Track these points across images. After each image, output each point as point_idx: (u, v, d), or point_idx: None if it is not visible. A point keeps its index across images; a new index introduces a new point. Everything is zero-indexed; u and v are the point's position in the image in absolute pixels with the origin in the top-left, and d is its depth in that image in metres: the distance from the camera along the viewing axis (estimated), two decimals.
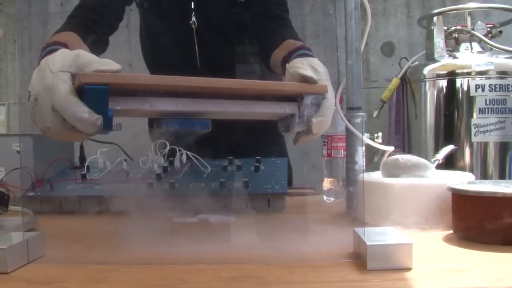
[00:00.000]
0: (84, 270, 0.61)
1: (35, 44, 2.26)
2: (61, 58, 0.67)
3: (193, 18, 1.30)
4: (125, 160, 1.10)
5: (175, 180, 0.97)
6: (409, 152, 1.48)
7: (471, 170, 1.39)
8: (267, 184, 0.96)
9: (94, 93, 0.64)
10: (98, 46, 1.17)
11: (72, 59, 0.67)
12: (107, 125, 0.65)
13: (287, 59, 0.98)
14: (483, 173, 1.40)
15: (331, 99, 0.81)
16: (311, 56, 0.95)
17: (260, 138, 1.28)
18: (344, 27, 0.88)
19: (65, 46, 0.87)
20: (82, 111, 0.64)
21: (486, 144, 1.37)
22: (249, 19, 1.33)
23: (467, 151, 1.39)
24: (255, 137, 1.26)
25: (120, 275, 0.59)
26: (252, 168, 1.05)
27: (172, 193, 0.94)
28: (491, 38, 1.45)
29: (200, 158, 1.06)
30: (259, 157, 1.08)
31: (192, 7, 1.30)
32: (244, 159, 1.08)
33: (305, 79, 0.80)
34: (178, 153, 1.08)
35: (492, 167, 1.38)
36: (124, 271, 0.60)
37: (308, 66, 0.84)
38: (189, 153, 1.07)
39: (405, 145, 1.57)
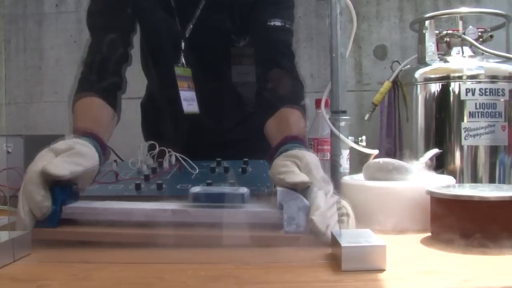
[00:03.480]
0: (68, 268, 0.62)
1: (30, 44, 2.27)
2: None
3: (182, 60, 1.25)
4: (115, 161, 1.12)
5: (162, 181, 0.99)
6: (400, 155, 1.49)
7: (461, 173, 1.40)
8: (253, 185, 0.97)
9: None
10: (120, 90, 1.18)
11: None
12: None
13: (273, 155, 0.91)
14: (473, 177, 1.41)
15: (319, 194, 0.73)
16: (299, 147, 0.88)
17: (251, 143, 1.28)
18: (329, 32, 0.89)
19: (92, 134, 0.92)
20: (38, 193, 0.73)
21: (476, 148, 1.37)
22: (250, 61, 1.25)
23: (457, 154, 1.39)
24: (246, 142, 1.28)
25: (103, 274, 0.60)
26: (240, 169, 1.06)
27: (159, 194, 0.95)
28: (482, 42, 1.46)
29: (188, 160, 1.08)
30: (246, 159, 1.10)
31: (183, 47, 1.26)
32: (232, 160, 1.10)
33: (296, 186, 0.74)
34: (167, 155, 1.10)
35: (482, 170, 1.39)
36: (106, 270, 0.62)
37: (294, 167, 0.78)
38: (177, 154, 1.08)
39: (396, 148, 1.58)
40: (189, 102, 1.22)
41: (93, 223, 0.75)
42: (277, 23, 1.17)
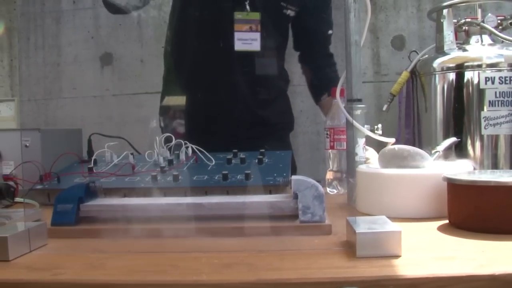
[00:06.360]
0: (83, 257, 0.63)
1: (49, 41, 2.29)
2: None
3: (247, 7, 1.37)
4: (132, 153, 1.12)
5: (179, 172, 0.99)
6: (420, 145, 1.48)
7: (482, 163, 1.38)
8: (269, 176, 0.97)
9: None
10: None
11: None
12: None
13: None
14: (493, 167, 1.39)
15: None
16: None
17: (266, 132, 1.30)
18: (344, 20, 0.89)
19: None
20: None
21: (496, 137, 1.35)
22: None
23: (477, 144, 1.37)
24: (261, 132, 1.28)
25: (117, 262, 0.60)
26: (256, 160, 1.06)
27: (176, 186, 0.96)
28: (502, 30, 1.44)
29: (205, 151, 1.08)
30: (263, 150, 1.10)
31: None
32: (249, 152, 1.09)
33: None
34: (183, 146, 1.10)
35: (502, 160, 1.37)
36: (120, 259, 0.62)
37: None
38: (193, 146, 1.08)
39: (415, 138, 1.56)
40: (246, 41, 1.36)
41: (110, 220, 0.76)
42: None
